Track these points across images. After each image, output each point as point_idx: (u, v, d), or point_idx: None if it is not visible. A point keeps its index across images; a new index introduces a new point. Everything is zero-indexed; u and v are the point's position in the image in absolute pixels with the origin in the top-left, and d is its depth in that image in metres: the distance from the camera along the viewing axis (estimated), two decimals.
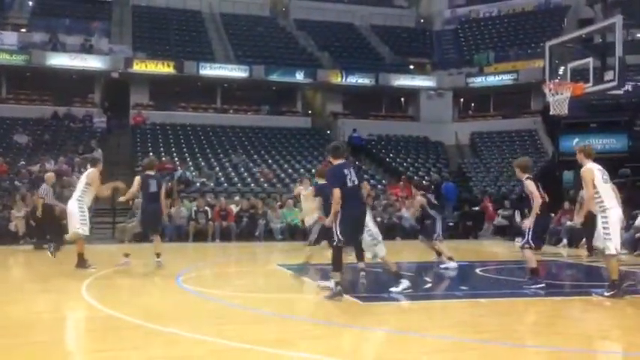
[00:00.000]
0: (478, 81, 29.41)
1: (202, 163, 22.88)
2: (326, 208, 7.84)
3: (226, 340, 5.12)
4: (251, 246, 16.04)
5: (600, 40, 12.26)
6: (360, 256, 7.67)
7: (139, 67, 26.70)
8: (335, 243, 7.05)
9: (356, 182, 7.17)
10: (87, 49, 26.72)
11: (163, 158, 22.33)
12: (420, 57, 32.58)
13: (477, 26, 34.04)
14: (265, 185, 21.69)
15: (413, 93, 30.44)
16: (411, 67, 31.77)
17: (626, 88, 10.90)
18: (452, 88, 29.84)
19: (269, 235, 17.40)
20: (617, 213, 7.41)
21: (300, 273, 9.15)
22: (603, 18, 12.65)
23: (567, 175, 21.01)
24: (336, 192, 6.96)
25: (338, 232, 6.99)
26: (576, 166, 9.24)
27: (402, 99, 31.63)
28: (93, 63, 26.42)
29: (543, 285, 8.02)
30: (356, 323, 6.11)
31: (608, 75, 10.82)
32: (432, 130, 28.70)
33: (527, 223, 7.97)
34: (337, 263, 7.01)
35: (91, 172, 9.86)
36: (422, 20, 36.08)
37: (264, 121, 28.10)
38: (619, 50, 10.65)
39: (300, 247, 15.50)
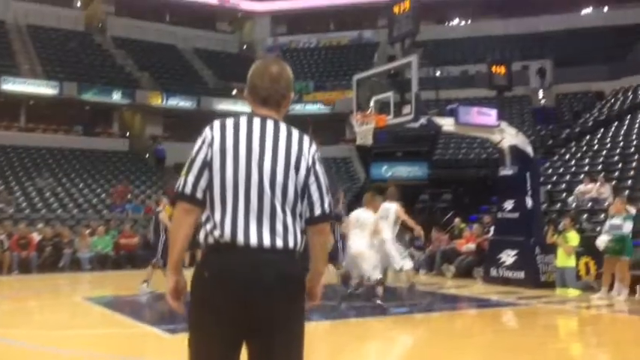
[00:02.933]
0: (297, 108, 30.43)
1: (1, 187, 20.66)
2: None
3: None
4: (55, 277, 14.76)
5: (400, 76, 13.38)
6: None
7: None
8: None
9: None
10: None
11: None
12: (243, 82, 32.30)
13: (297, 56, 35.36)
14: (75, 211, 20.20)
15: None
16: (234, 92, 31.98)
17: (422, 121, 11.94)
18: None
19: (76, 265, 16.14)
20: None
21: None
22: (403, 56, 13.84)
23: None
24: None
25: None
26: (384, 192, 10.06)
27: None
28: None
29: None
30: (166, 358, 5.89)
31: (406, 109, 11.83)
32: None
33: None
34: None
35: None
36: (245, 47, 36.64)
37: (76, 142, 26.25)
38: (414, 86, 11.69)
39: (109, 276, 14.72)
